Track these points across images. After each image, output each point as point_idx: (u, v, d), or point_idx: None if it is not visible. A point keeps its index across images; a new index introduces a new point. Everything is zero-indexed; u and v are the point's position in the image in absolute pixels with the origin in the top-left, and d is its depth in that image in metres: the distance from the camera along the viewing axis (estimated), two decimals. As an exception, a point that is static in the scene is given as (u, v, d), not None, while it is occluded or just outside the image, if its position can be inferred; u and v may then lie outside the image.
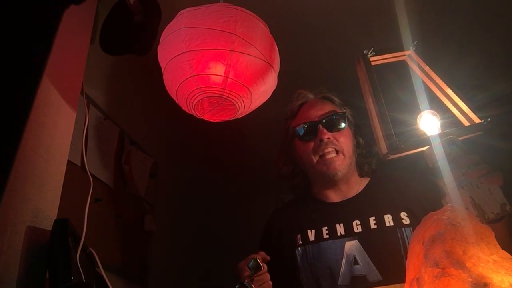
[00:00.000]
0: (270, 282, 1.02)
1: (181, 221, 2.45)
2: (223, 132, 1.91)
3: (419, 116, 0.87)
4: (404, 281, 0.74)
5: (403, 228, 1.08)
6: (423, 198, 1.09)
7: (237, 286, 0.84)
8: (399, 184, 1.18)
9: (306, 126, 1.21)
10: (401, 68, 1.02)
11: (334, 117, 1.20)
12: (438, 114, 0.86)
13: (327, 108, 1.23)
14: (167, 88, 0.98)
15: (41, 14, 0.71)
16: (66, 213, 0.89)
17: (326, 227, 1.15)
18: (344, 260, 1.08)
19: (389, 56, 1.00)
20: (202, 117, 0.99)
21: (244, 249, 1.10)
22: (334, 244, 1.11)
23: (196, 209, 2.74)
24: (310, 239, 1.15)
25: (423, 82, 0.95)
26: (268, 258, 1.03)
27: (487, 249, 0.65)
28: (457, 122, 0.88)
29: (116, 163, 1.66)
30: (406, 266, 0.77)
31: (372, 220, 1.11)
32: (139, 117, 1.96)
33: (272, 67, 0.94)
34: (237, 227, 3.16)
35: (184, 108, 0.98)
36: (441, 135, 0.82)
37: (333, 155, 1.16)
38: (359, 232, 1.11)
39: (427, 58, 0.98)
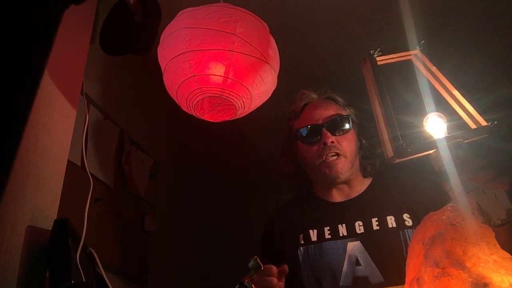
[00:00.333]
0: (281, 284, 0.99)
1: (181, 221, 2.45)
2: (223, 132, 1.91)
3: (425, 118, 0.86)
4: (406, 283, 0.73)
5: (405, 230, 1.07)
6: (427, 201, 1.08)
7: (237, 286, 0.84)
8: (403, 186, 1.18)
9: (309, 128, 1.20)
10: (407, 69, 1.01)
11: (338, 120, 1.19)
12: (444, 117, 0.85)
13: (331, 110, 1.22)
14: (167, 88, 0.98)
15: (41, 14, 0.71)
16: (66, 213, 0.89)
17: (328, 227, 1.15)
18: (346, 261, 1.08)
19: (396, 56, 0.99)
20: (202, 117, 0.99)
21: (244, 248, 1.10)
22: (336, 245, 1.11)
23: (196, 209, 2.74)
24: (312, 239, 1.15)
25: (429, 83, 0.94)
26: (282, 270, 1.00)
27: (487, 249, 0.65)
28: (464, 125, 0.87)
29: (116, 163, 1.66)
30: (406, 266, 0.77)
31: (374, 221, 1.11)
32: (139, 117, 1.96)
33: (272, 67, 0.94)
34: (237, 227, 3.16)
35: (184, 108, 0.98)
36: (447, 138, 0.81)
37: (335, 157, 1.15)
38: (361, 233, 1.10)
39: (432, 59, 0.98)
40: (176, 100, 0.98)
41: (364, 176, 1.25)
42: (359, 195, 1.21)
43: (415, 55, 0.99)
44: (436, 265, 0.66)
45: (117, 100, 1.72)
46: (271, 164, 1.41)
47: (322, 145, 1.16)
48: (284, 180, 1.34)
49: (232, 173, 3.03)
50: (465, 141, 0.81)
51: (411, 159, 0.84)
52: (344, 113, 1.22)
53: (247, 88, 0.91)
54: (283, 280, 0.96)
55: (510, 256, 0.65)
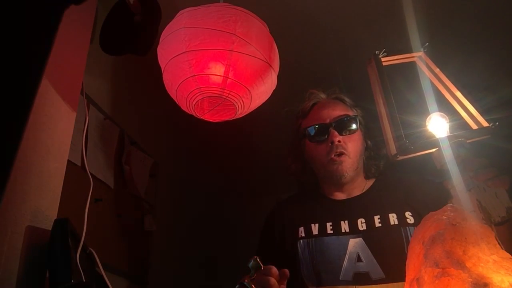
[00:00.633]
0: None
1: (181, 221, 2.45)
2: (223, 132, 1.91)
3: (428, 118, 0.87)
4: (407, 280, 0.74)
5: (407, 227, 1.08)
6: (429, 201, 1.09)
7: (237, 286, 0.84)
8: (406, 186, 1.19)
9: (317, 127, 1.22)
10: (410, 70, 1.02)
11: (345, 120, 1.21)
12: (446, 117, 0.86)
13: (339, 110, 1.23)
14: (167, 88, 0.98)
15: (41, 14, 0.71)
16: (66, 213, 0.89)
17: (330, 223, 1.16)
18: (347, 257, 1.09)
19: (400, 57, 1.01)
20: (201, 117, 0.99)
21: (245, 248, 1.10)
22: (338, 240, 1.12)
23: (196, 209, 2.74)
24: (314, 233, 1.16)
25: (433, 84, 0.95)
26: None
27: (487, 249, 0.65)
28: (465, 125, 0.88)
29: (116, 163, 1.66)
30: (406, 266, 0.78)
31: (376, 219, 1.12)
32: (139, 117, 1.96)
33: (272, 67, 0.94)
34: (237, 227, 3.16)
35: (184, 108, 0.98)
36: (449, 138, 0.82)
37: (342, 157, 1.17)
38: (364, 230, 1.12)
39: (434, 60, 0.99)
40: (176, 100, 0.98)
41: (368, 177, 1.26)
42: (362, 193, 1.22)
43: (419, 57, 1.00)
44: (436, 265, 0.66)
45: (117, 100, 1.72)
46: (271, 164, 1.41)
47: (329, 144, 1.18)
48: (291, 177, 1.35)
49: (232, 173, 3.03)
50: (467, 141, 0.82)
51: (413, 158, 0.85)
52: (351, 113, 1.23)
53: (247, 88, 0.91)
54: (284, 283, 0.95)
55: (510, 256, 0.65)
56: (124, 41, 1.39)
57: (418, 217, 1.09)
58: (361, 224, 1.13)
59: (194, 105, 0.94)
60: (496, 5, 1.66)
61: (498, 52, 1.89)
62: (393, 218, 1.11)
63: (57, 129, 0.96)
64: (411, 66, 1.02)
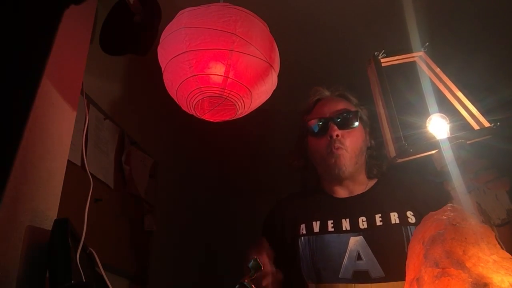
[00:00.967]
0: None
1: (181, 221, 2.45)
2: (223, 132, 1.91)
3: (428, 119, 0.87)
4: (407, 279, 0.74)
5: (408, 227, 1.09)
6: (431, 201, 1.09)
7: (237, 286, 0.84)
8: (408, 186, 1.20)
9: (318, 122, 1.23)
10: (410, 71, 1.02)
11: (345, 115, 1.21)
12: (447, 118, 0.86)
13: (340, 106, 1.25)
14: (167, 88, 0.98)
15: (41, 14, 0.71)
16: (66, 213, 0.89)
17: (332, 221, 1.16)
18: (347, 254, 1.09)
19: (400, 58, 1.01)
20: (202, 117, 0.99)
21: (244, 248, 1.10)
22: (338, 238, 1.13)
23: (197, 209, 2.74)
24: (315, 230, 1.16)
25: (433, 84, 0.95)
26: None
27: (487, 249, 0.65)
28: (466, 126, 0.88)
29: (116, 163, 1.66)
30: (406, 266, 0.78)
31: (378, 217, 1.13)
32: (139, 117, 1.96)
33: (272, 67, 0.94)
34: (237, 227, 3.16)
35: (184, 108, 0.98)
36: (450, 139, 0.82)
37: (341, 151, 1.18)
38: (365, 228, 1.12)
39: (435, 61, 0.99)
40: (176, 100, 0.98)
41: (369, 177, 1.27)
42: (364, 192, 1.22)
43: (420, 57, 1.00)
44: (436, 265, 0.66)
45: (117, 100, 1.72)
46: (272, 164, 1.42)
47: (328, 138, 1.19)
48: (295, 174, 1.37)
49: (232, 172, 3.03)
50: (468, 142, 0.82)
51: (414, 159, 0.85)
52: (352, 109, 1.24)
53: (247, 88, 0.91)
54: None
55: (510, 256, 0.65)
56: (124, 41, 1.39)
57: (419, 217, 1.09)
58: (362, 223, 1.13)
59: (195, 105, 0.94)
60: (496, 5, 1.66)
61: (499, 53, 1.89)
62: (394, 217, 1.11)
63: (57, 129, 0.96)
64: (412, 66, 1.02)
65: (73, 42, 1.07)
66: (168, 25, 0.94)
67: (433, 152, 0.83)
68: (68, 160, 1.01)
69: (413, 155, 0.84)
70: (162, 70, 0.96)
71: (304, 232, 1.17)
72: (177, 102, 0.98)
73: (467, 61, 1.75)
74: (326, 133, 1.20)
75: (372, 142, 1.26)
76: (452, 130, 0.85)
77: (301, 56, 1.94)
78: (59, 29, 0.75)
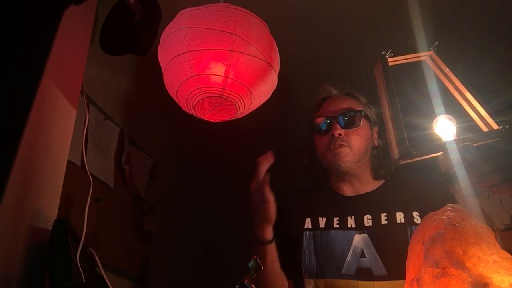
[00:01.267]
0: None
1: (181, 221, 2.45)
2: (223, 132, 1.91)
3: (434, 121, 0.86)
4: (409, 278, 0.74)
5: (413, 227, 1.09)
6: (437, 202, 1.09)
7: (237, 286, 0.84)
8: (414, 187, 1.20)
9: (323, 120, 1.24)
10: (416, 71, 1.01)
11: (349, 114, 1.22)
12: (454, 119, 0.85)
13: (346, 104, 1.25)
14: (167, 88, 0.98)
15: (41, 14, 0.71)
16: (66, 213, 0.89)
17: (337, 218, 1.18)
18: (351, 251, 1.10)
19: (408, 57, 0.99)
20: (202, 117, 0.99)
21: (245, 248, 1.11)
22: (343, 235, 1.14)
23: (197, 209, 2.74)
24: (321, 226, 1.18)
25: (440, 85, 0.94)
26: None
27: (487, 249, 0.65)
28: (473, 127, 0.87)
29: (116, 163, 1.66)
30: (406, 266, 0.78)
31: (383, 216, 1.14)
32: (139, 117, 1.95)
33: (272, 67, 0.94)
34: (237, 227, 3.16)
35: (184, 108, 0.98)
36: (457, 141, 0.81)
37: (341, 148, 1.18)
38: (369, 226, 1.13)
39: (443, 62, 0.98)
40: (176, 100, 0.98)
41: (377, 178, 1.26)
42: (370, 192, 1.23)
43: (429, 56, 0.99)
44: (436, 265, 0.66)
45: (117, 100, 1.72)
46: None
47: (331, 136, 1.20)
48: (304, 170, 1.37)
49: (232, 172, 3.03)
50: (475, 144, 0.81)
51: (419, 160, 0.84)
52: (357, 108, 1.25)
53: (247, 88, 0.91)
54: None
55: (510, 256, 0.65)
56: (124, 41, 1.39)
57: None
58: (367, 221, 1.14)
59: (195, 105, 0.94)
60: (503, 6, 1.66)
61: (506, 54, 1.89)
62: (400, 217, 1.12)
63: (57, 129, 0.96)
64: (417, 67, 1.01)
65: (73, 42, 1.07)
66: (168, 25, 0.94)
67: (438, 154, 0.82)
68: (68, 160, 1.01)
69: (417, 157, 0.83)
70: (162, 70, 0.96)
71: (310, 226, 1.19)
72: (177, 102, 0.98)
73: (474, 63, 1.75)
74: (329, 131, 1.21)
75: (380, 142, 1.27)
76: (458, 131, 0.84)
77: (301, 56, 1.94)
78: (59, 29, 0.75)
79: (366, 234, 1.11)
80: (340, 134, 1.19)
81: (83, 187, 1.13)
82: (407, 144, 0.82)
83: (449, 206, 0.75)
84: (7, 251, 0.74)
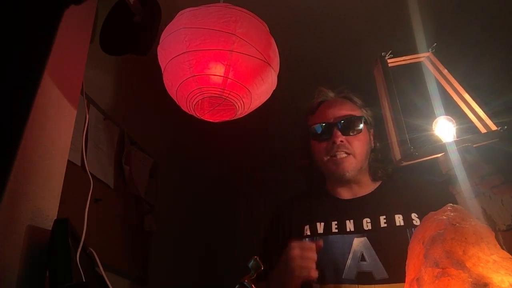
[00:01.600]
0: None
1: (181, 221, 2.45)
2: (223, 132, 1.91)
3: (434, 122, 0.86)
4: (410, 280, 0.74)
5: (412, 229, 1.08)
6: (436, 203, 1.09)
7: (237, 286, 0.84)
8: (413, 188, 1.19)
9: (322, 126, 1.21)
10: (416, 72, 1.01)
11: (350, 120, 1.20)
12: (454, 120, 0.85)
13: (345, 109, 1.23)
14: (167, 88, 0.98)
15: (41, 14, 0.71)
16: (66, 213, 0.89)
17: (335, 222, 1.16)
18: (351, 255, 1.09)
19: (407, 58, 0.99)
20: (202, 117, 0.99)
21: (246, 247, 1.11)
22: (342, 239, 1.13)
23: (197, 209, 2.74)
24: (319, 231, 1.16)
25: (439, 86, 0.94)
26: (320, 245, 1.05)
27: (487, 249, 0.65)
28: (473, 128, 0.87)
29: (116, 163, 1.66)
30: (406, 266, 0.77)
31: (382, 219, 1.13)
32: (139, 117, 1.96)
33: (272, 67, 0.94)
34: (237, 227, 3.16)
35: (184, 108, 0.98)
36: (456, 142, 0.81)
37: (343, 155, 1.17)
38: (369, 229, 1.12)
39: (442, 63, 0.97)
40: (176, 100, 0.98)
41: (374, 179, 1.26)
42: (368, 194, 1.22)
43: (427, 58, 0.99)
44: (436, 265, 0.66)
45: (117, 100, 1.72)
46: (273, 164, 1.41)
47: (331, 144, 1.18)
48: (300, 173, 1.35)
49: (232, 172, 3.03)
50: (474, 145, 0.81)
51: (420, 162, 0.84)
52: (357, 113, 1.23)
53: (247, 88, 0.91)
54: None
55: (510, 256, 0.65)
56: (124, 41, 1.39)
57: None
58: (366, 224, 1.13)
59: (194, 105, 0.94)
60: (503, 8, 1.66)
61: (505, 56, 1.89)
62: (399, 219, 1.11)
63: (57, 129, 0.96)
64: (417, 68, 1.00)
65: (73, 42, 1.07)
66: (168, 25, 0.94)
67: (439, 155, 0.82)
68: (68, 160, 1.01)
69: (418, 159, 0.83)
70: (162, 70, 0.96)
71: (309, 233, 1.17)
72: (177, 102, 0.98)
73: (473, 64, 1.74)
74: (330, 138, 1.19)
75: (377, 144, 1.25)
76: (458, 133, 0.84)
77: (301, 56, 1.94)
78: (59, 29, 0.75)
79: (365, 238, 1.10)
80: (342, 141, 1.17)
81: (83, 187, 1.13)
82: (409, 145, 0.82)
83: (449, 206, 0.75)
84: (7, 251, 0.74)
